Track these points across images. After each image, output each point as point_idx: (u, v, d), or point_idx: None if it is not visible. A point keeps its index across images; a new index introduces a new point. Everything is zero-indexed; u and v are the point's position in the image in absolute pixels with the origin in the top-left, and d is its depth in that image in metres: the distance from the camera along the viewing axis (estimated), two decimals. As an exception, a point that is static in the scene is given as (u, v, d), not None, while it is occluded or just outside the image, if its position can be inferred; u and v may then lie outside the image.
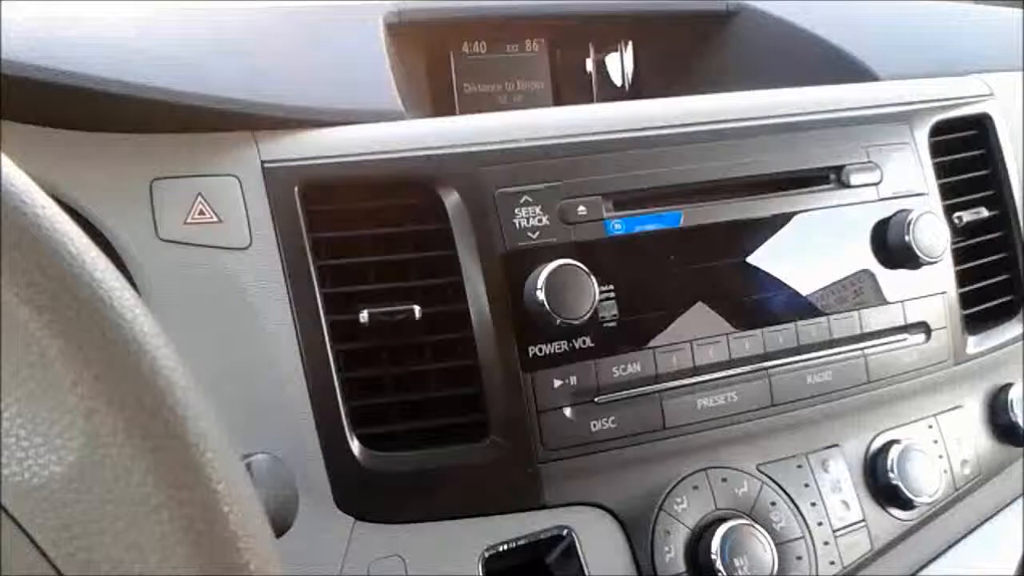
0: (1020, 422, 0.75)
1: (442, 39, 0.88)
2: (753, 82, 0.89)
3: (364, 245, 0.60)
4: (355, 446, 0.57)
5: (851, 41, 0.85)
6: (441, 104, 0.89)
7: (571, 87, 0.96)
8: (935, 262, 0.71)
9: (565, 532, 0.61)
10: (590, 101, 0.97)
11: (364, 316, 0.58)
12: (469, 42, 0.90)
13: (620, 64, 0.98)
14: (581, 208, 0.63)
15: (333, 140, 0.60)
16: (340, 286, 0.59)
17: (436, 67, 0.89)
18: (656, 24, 0.94)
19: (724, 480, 0.66)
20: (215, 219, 0.57)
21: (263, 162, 0.58)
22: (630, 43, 0.97)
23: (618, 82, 0.98)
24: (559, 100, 0.95)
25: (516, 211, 0.62)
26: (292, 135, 0.60)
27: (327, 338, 0.57)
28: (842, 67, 0.84)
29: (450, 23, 0.83)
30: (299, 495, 0.56)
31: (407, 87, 0.80)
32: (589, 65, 0.98)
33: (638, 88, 0.99)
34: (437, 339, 0.60)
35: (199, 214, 0.56)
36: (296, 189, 0.58)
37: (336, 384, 0.57)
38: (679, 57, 0.97)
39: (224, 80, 0.60)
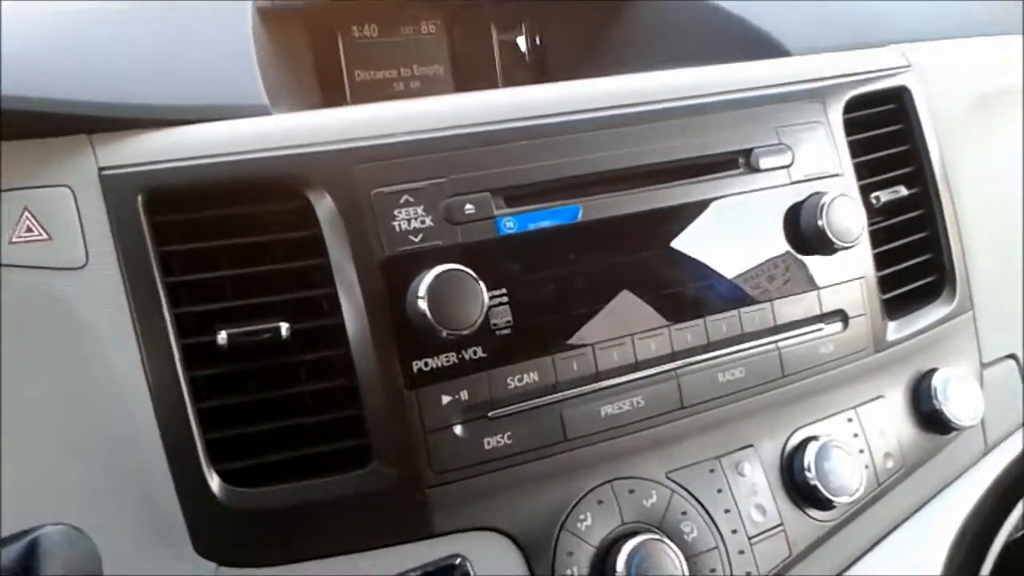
0: (944, 409, 0.72)
1: (328, 22, 0.81)
2: (663, 61, 0.84)
3: (222, 258, 0.54)
4: (214, 483, 0.52)
5: (762, 15, 0.81)
6: (331, 94, 0.83)
7: (473, 71, 0.91)
8: (851, 246, 0.68)
9: (459, 561, 0.56)
10: (494, 85, 0.92)
11: (222, 337, 0.52)
12: (359, 25, 0.84)
13: (524, 45, 0.92)
14: (468, 206, 0.58)
15: (183, 140, 0.54)
16: (194, 305, 0.53)
17: (324, 54, 0.83)
18: (558, 4, 0.89)
19: (631, 492, 0.62)
20: (44, 236, 0.50)
21: (100, 169, 0.52)
22: (534, 23, 0.92)
23: (523, 64, 0.93)
24: (460, 85, 0.90)
25: (395, 212, 0.56)
26: (135, 137, 0.54)
27: (179, 365, 0.51)
28: (753, 43, 0.79)
29: (333, 5, 0.77)
30: (154, 541, 0.51)
31: (287, 78, 0.74)
32: (492, 47, 0.92)
33: (545, 70, 0.94)
34: (309, 358, 0.54)
35: (26, 231, 0.50)
36: (139, 198, 0.52)
37: (191, 415, 0.52)
38: (586, 37, 0.92)
39: (57, 79, 0.53)
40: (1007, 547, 0.77)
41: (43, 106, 0.50)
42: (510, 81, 0.93)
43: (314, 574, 0.53)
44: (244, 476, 0.54)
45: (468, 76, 0.90)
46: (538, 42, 0.93)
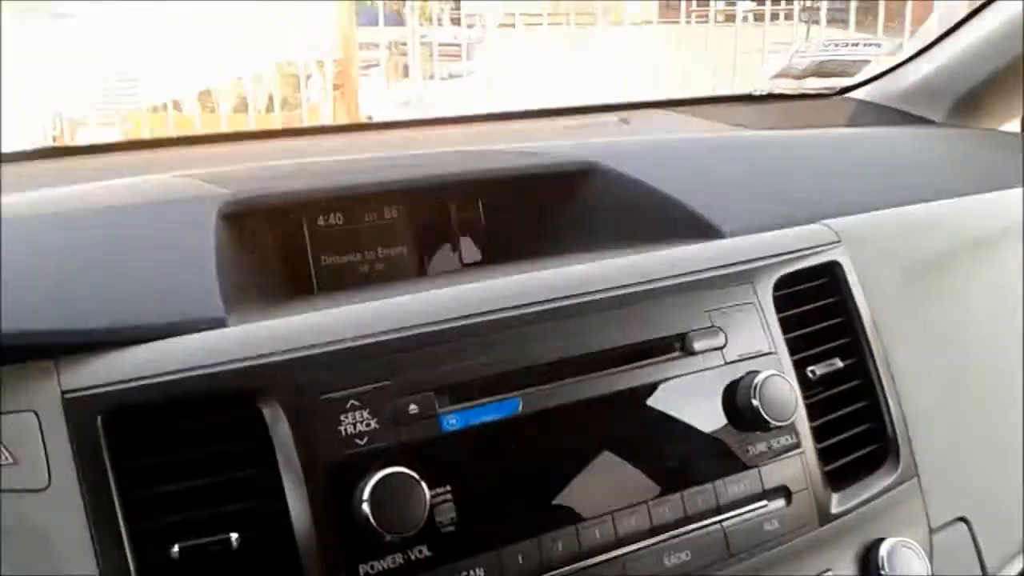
0: (894, 579, 0.74)
1: (294, 215, 0.87)
2: (609, 239, 0.90)
3: (176, 472, 0.57)
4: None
5: (697, 198, 0.86)
6: (298, 281, 0.88)
7: (435, 249, 0.96)
8: (786, 423, 0.71)
9: None
10: (457, 262, 0.97)
11: (175, 551, 0.54)
12: (324, 215, 0.89)
13: (480, 223, 0.98)
14: (412, 406, 0.62)
15: (141, 359, 0.58)
16: (148, 520, 0.55)
17: (291, 243, 0.88)
18: (511, 183, 0.95)
19: None
20: (11, 460, 0.53)
21: (63, 392, 0.56)
22: (491, 205, 0.98)
23: (478, 242, 0.98)
24: (422, 264, 0.95)
25: (342, 417, 0.60)
26: (97, 358, 0.58)
27: (135, 577, 0.54)
28: (688, 225, 0.85)
29: (295, 203, 0.83)
30: None
31: (251, 274, 0.79)
32: (452, 225, 0.98)
33: (502, 245, 0.99)
34: (259, 568, 0.57)
35: (-8, 456, 0.53)
36: (99, 419, 0.55)
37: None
38: (539, 214, 0.97)
39: (26, 305, 0.57)
40: None
41: (11, 338, 0.54)
42: (470, 258, 0.98)
43: None
44: None
45: (431, 254, 0.96)
46: (497, 220, 0.99)
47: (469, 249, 0.99)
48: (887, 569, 0.74)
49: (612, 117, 1.48)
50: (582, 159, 0.94)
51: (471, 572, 0.60)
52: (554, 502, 0.64)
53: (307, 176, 0.86)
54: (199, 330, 0.61)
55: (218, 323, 0.62)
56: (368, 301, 0.67)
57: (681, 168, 0.94)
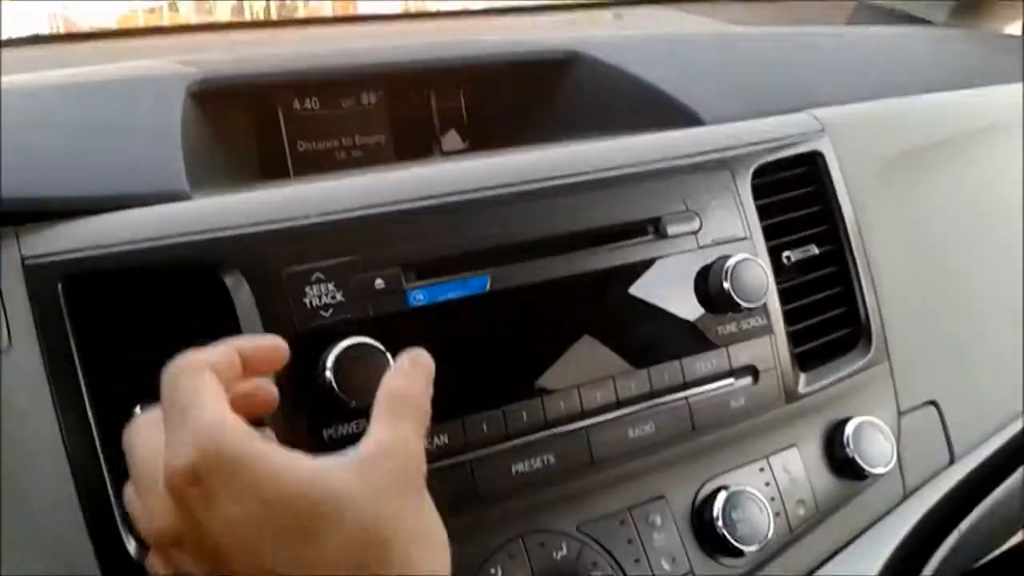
0: (857, 457, 0.75)
1: (268, 98, 0.86)
2: (591, 129, 0.89)
3: (140, 338, 0.57)
4: (132, 547, 0.55)
5: (678, 86, 0.85)
6: (273, 165, 0.88)
7: (414, 138, 0.95)
8: (757, 306, 0.71)
9: (370, 619, 0.59)
10: (435, 150, 0.96)
11: (138, 412, 0.55)
12: (300, 99, 0.88)
13: (462, 113, 0.97)
14: (379, 281, 0.62)
15: (102, 228, 0.58)
16: (111, 384, 0.56)
17: (266, 128, 0.87)
18: (493, 71, 0.94)
19: (542, 545, 0.65)
20: (-30, 322, 0.54)
21: (24, 258, 0.56)
22: (472, 91, 0.97)
23: (460, 132, 0.97)
24: (400, 153, 0.94)
25: (307, 290, 0.60)
26: (58, 227, 0.58)
27: (97, 439, 0.55)
28: (670, 112, 0.84)
29: (267, 85, 0.82)
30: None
31: (223, 156, 0.78)
32: (432, 113, 0.97)
33: (484, 136, 0.98)
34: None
35: (-46, 320, 0.54)
36: (60, 285, 0.56)
37: (108, 486, 0.55)
38: (522, 104, 0.96)
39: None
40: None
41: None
42: (450, 147, 0.97)
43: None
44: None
45: (409, 142, 0.95)
46: (478, 108, 0.98)
47: (450, 139, 0.98)
48: (851, 446, 0.75)
49: (608, 13, 1.46)
50: (565, 47, 0.93)
51: (434, 438, 0.61)
52: (520, 377, 0.65)
53: (282, 60, 0.85)
54: (161, 202, 0.61)
55: (181, 196, 0.63)
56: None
57: (665, 58, 0.92)
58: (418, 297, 0.63)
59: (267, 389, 0.51)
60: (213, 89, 0.76)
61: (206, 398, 0.43)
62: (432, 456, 0.60)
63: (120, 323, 0.57)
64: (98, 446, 0.55)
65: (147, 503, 0.43)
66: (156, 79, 0.75)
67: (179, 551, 0.43)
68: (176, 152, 0.65)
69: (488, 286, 0.65)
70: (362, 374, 0.58)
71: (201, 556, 0.42)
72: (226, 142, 0.81)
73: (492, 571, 0.63)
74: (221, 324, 0.59)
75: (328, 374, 0.57)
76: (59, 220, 0.58)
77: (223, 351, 0.47)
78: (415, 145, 0.95)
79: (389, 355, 0.58)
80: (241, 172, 0.82)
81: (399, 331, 0.61)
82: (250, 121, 0.85)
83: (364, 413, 0.58)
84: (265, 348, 0.50)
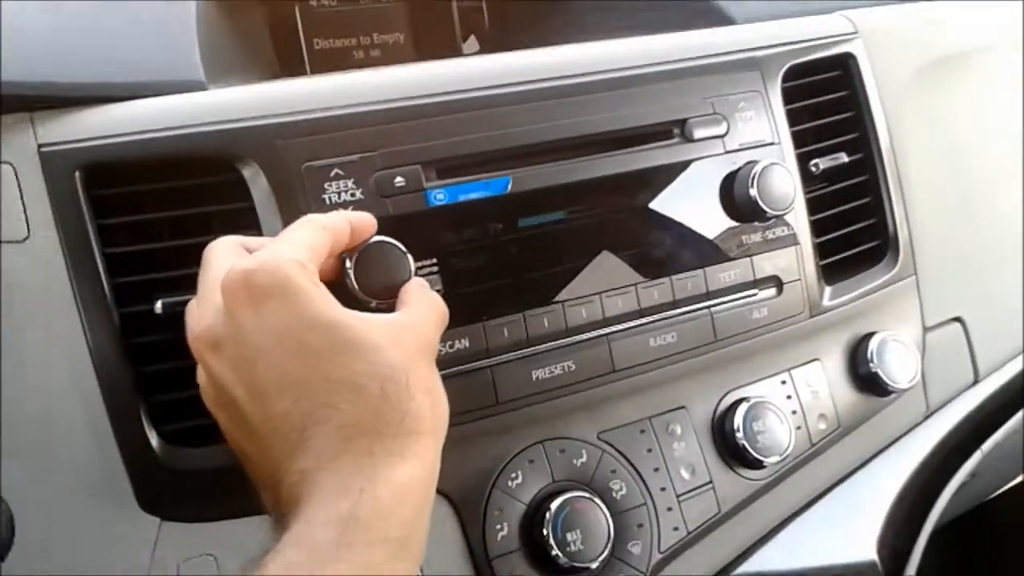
0: (880, 371, 0.74)
1: (285, -6, 0.83)
2: (618, 29, 0.86)
3: (158, 230, 0.56)
4: (155, 443, 0.55)
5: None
6: (290, 64, 0.85)
7: (433, 38, 0.93)
8: (783, 214, 0.69)
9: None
10: (455, 52, 0.93)
11: (159, 306, 0.55)
12: (316, -4, 0.86)
13: (483, 14, 0.94)
14: (399, 179, 0.60)
15: (118, 117, 0.57)
16: (132, 275, 0.55)
17: (282, 23, 0.85)
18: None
19: (562, 451, 0.64)
20: (-11, 209, 0.53)
21: (40, 146, 0.55)
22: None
23: (483, 30, 0.94)
24: (420, 53, 0.91)
25: (326, 186, 0.59)
26: (73, 114, 0.56)
27: (119, 332, 0.54)
28: (700, 11, 0.81)
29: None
30: (101, 498, 0.54)
31: (240, 51, 0.76)
32: (451, 13, 0.94)
33: (506, 35, 0.95)
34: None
35: (-30, 207, 0.53)
36: (77, 174, 0.55)
37: (131, 380, 0.55)
38: (545, 4, 0.93)
39: (3, 58, 0.55)
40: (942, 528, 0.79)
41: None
42: (470, 47, 0.94)
43: (252, 528, 0.56)
44: (186, 436, 0.57)
45: (428, 43, 0.92)
46: (500, 8, 0.95)
47: (470, 41, 0.95)
48: (875, 361, 0.74)
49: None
50: (591, -57, 0.89)
51: (456, 342, 0.61)
52: (541, 282, 0.63)
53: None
54: (177, 92, 0.59)
55: (197, 86, 0.61)
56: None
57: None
58: (439, 196, 0.61)
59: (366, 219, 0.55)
60: (229, -20, 0.73)
61: (296, 236, 0.49)
62: (453, 360, 0.60)
63: (139, 214, 0.56)
64: (120, 340, 0.54)
65: (204, 308, 0.48)
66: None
67: (216, 355, 0.47)
68: (191, 42, 0.63)
69: (510, 187, 0.63)
70: (382, 274, 0.56)
71: (235, 361, 0.46)
72: (242, 38, 0.78)
73: (512, 475, 0.62)
74: (240, 217, 0.57)
75: (349, 271, 0.56)
76: (73, 108, 0.56)
77: (338, 217, 0.53)
78: (435, 47, 0.92)
79: (409, 256, 0.57)
80: (258, 68, 0.80)
81: (419, 231, 0.60)
82: (266, 17, 0.83)
83: (384, 311, 0.57)
84: (366, 219, 0.54)
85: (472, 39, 0.95)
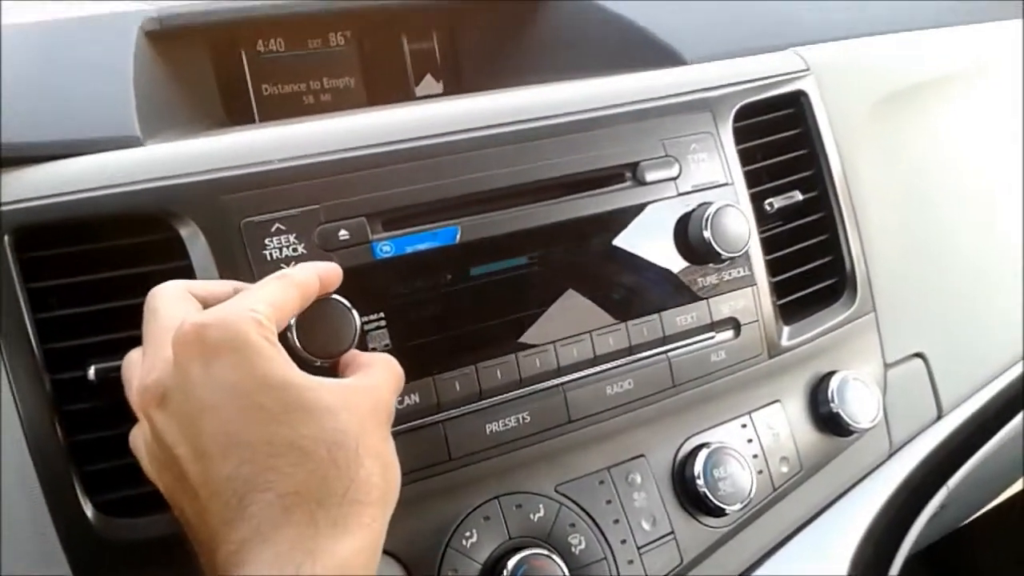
0: (842, 412, 0.73)
1: (230, 39, 0.82)
2: (568, 69, 0.85)
3: (93, 292, 0.54)
4: (91, 514, 0.53)
5: (660, 24, 0.81)
6: (237, 112, 0.84)
7: (386, 80, 0.91)
8: (738, 255, 0.69)
9: (339, 582, 0.57)
10: (408, 95, 0.92)
11: (92, 372, 0.53)
12: (263, 40, 0.84)
13: (435, 54, 0.93)
14: (343, 232, 0.59)
15: (49, 177, 0.55)
16: (64, 341, 0.53)
17: (228, 70, 0.83)
18: (467, 10, 0.90)
19: (519, 506, 0.63)
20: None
21: (-34, 210, 0.53)
22: (445, 31, 0.93)
23: (434, 75, 0.93)
24: (372, 96, 0.90)
25: (267, 241, 0.57)
26: (7, 174, 0.54)
27: (51, 399, 0.52)
28: (650, 51, 0.80)
29: (228, 24, 0.77)
30: (36, 571, 0.52)
31: (185, 98, 0.75)
32: (404, 57, 0.93)
33: (459, 78, 0.94)
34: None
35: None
36: (7, 238, 0.52)
37: (64, 449, 0.52)
38: (497, 45, 0.92)
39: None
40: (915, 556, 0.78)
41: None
42: (424, 89, 0.93)
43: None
44: (123, 507, 0.54)
45: (380, 86, 0.91)
46: (452, 50, 0.94)
47: (425, 84, 0.94)
48: (836, 401, 0.73)
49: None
50: (542, -19, 0.89)
51: (405, 398, 0.59)
52: (494, 332, 0.62)
53: (242, 1, 0.81)
54: (112, 148, 0.58)
55: (133, 142, 0.59)
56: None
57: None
58: (385, 249, 0.60)
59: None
60: (170, 29, 0.72)
61: (261, 292, 0.48)
62: (403, 417, 0.59)
63: (72, 276, 0.54)
64: (52, 409, 0.52)
65: (151, 359, 0.46)
66: (109, 18, 0.71)
67: (162, 410, 0.45)
68: (128, 96, 0.62)
69: (458, 237, 0.62)
70: (327, 333, 0.54)
71: (181, 417, 0.44)
72: (186, 86, 0.77)
73: (467, 533, 0.61)
74: (178, 277, 0.55)
75: (292, 332, 0.54)
76: (3, 168, 0.54)
77: (310, 270, 0.52)
78: (388, 89, 0.91)
79: (354, 312, 0.55)
80: (203, 118, 0.78)
81: (366, 284, 0.58)
82: (211, 64, 0.81)
83: (329, 372, 0.55)
84: (334, 271, 0.54)
85: (426, 80, 0.94)
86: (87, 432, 0.54)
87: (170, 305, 0.48)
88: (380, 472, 0.46)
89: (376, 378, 0.50)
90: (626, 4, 0.84)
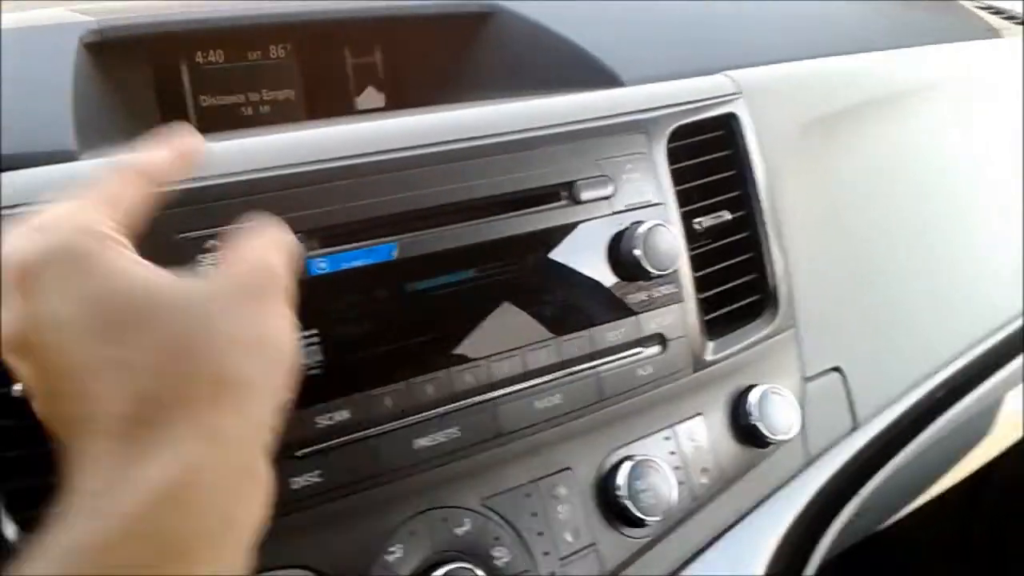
0: (760, 424, 0.76)
1: (170, 51, 0.82)
2: (509, 87, 0.87)
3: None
4: (10, 531, 0.53)
5: (598, 44, 0.83)
6: (175, 123, 0.84)
7: (327, 94, 0.92)
8: (667, 273, 0.71)
9: (266, 598, 0.58)
10: (348, 108, 0.93)
11: (16, 389, 0.53)
12: (203, 51, 0.84)
13: (377, 69, 0.94)
14: (278, 248, 0.59)
15: (-21, 192, 0.55)
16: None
17: (167, 81, 0.83)
18: (410, 26, 0.91)
19: (444, 520, 0.64)
20: None
21: None
22: (389, 46, 0.94)
23: (376, 88, 0.94)
24: (312, 109, 0.91)
25: (200, 258, 0.57)
26: (-69, 190, 0.54)
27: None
28: (589, 72, 0.82)
29: (169, 35, 0.77)
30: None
31: (123, 110, 0.74)
32: (346, 71, 0.93)
33: (401, 94, 0.95)
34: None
35: None
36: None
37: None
38: (440, 61, 0.93)
39: None
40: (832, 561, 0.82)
41: None
42: (365, 103, 0.94)
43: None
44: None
45: (320, 99, 0.92)
46: (394, 65, 0.95)
47: (366, 96, 0.95)
48: (756, 414, 0.76)
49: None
50: (483, 1, 0.90)
51: (335, 415, 0.60)
52: (428, 348, 0.63)
53: (184, 10, 0.81)
54: (46, 163, 0.58)
55: (68, 156, 0.59)
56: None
57: (586, 16, 0.90)
58: (320, 265, 0.61)
59: None
60: (110, 40, 0.72)
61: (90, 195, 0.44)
62: (333, 432, 0.60)
63: None
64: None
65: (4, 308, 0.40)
66: (47, 29, 0.70)
67: (23, 359, 0.40)
68: (65, 108, 0.62)
69: (396, 254, 0.63)
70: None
71: (33, 360, 0.40)
72: (125, 98, 0.77)
73: (392, 549, 0.62)
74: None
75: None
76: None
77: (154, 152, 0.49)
78: (328, 102, 0.92)
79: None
80: (142, 130, 0.78)
81: (300, 301, 0.59)
82: (150, 75, 0.81)
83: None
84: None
85: (367, 92, 0.95)
86: (10, 450, 0.54)
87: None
88: (236, 362, 0.39)
89: (251, 249, 0.45)
90: (568, 26, 0.86)
